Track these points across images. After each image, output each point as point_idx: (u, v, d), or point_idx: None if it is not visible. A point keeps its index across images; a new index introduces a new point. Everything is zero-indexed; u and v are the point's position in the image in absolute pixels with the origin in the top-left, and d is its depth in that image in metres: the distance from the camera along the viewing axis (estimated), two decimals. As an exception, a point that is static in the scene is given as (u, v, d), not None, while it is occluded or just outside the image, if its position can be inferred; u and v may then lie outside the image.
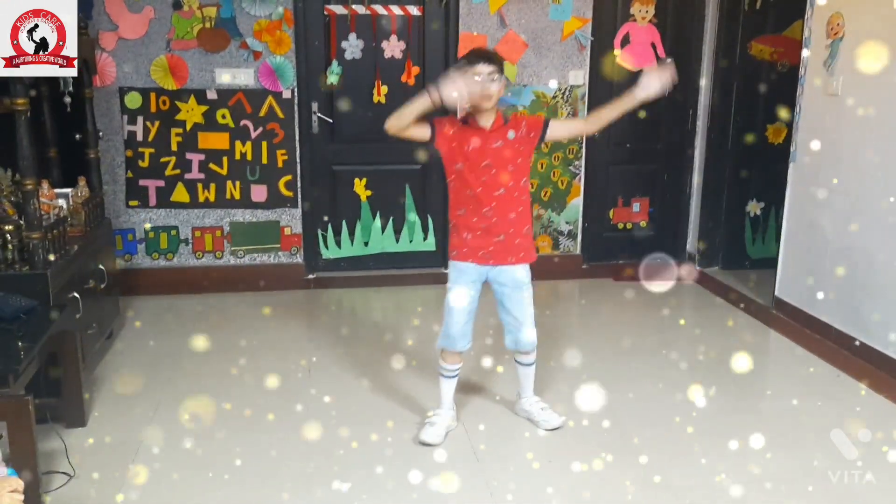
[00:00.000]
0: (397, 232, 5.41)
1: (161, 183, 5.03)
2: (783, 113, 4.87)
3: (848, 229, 4.06)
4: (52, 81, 3.91)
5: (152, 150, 4.98)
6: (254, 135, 5.05)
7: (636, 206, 5.70)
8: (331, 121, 5.17)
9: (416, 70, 5.13)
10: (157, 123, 4.94)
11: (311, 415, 3.41)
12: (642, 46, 5.36)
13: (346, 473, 2.94)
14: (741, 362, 4.04)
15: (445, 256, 5.39)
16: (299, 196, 5.20)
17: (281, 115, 5.04)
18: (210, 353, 4.13)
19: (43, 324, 2.95)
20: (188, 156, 5.02)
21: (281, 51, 4.95)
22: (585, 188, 5.54)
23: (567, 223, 5.57)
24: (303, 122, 5.10)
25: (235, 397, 3.56)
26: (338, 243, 5.35)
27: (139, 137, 4.95)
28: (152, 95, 4.90)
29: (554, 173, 5.43)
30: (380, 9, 5.03)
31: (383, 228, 5.38)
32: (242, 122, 5.02)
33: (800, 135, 4.43)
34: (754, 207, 5.53)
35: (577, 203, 5.54)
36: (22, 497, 2.23)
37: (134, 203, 5.04)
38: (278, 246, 5.26)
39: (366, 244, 5.39)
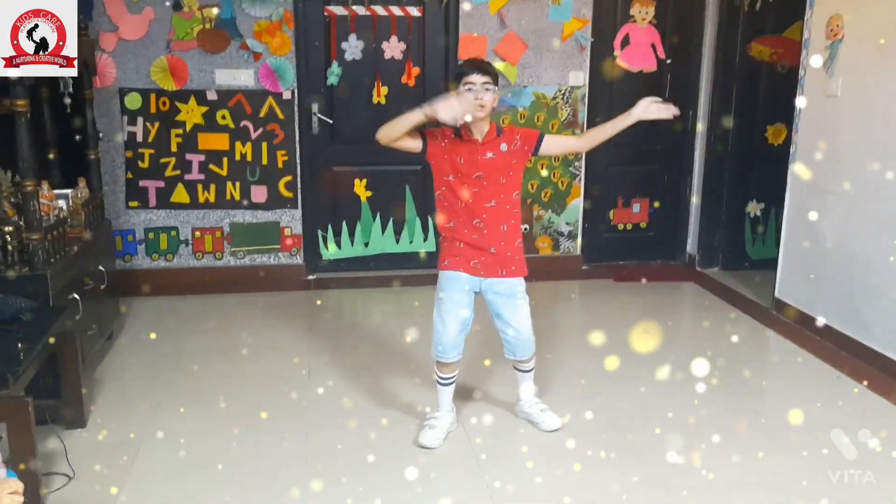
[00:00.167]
0: (397, 233, 5.41)
1: (161, 184, 5.03)
2: (783, 114, 4.88)
3: (848, 230, 4.06)
4: (53, 83, 3.91)
5: (152, 151, 4.98)
6: (254, 135, 5.05)
7: (636, 207, 5.71)
8: (331, 121, 5.18)
9: (416, 71, 5.14)
10: (157, 124, 4.94)
11: (310, 415, 3.42)
12: (642, 47, 5.37)
13: (346, 474, 2.94)
14: (741, 363, 4.04)
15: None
16: (299, 197, 5.20)
17: (281, 115, 5.05)
18: (210, 353, 4.13)
19: (43, 325, 2.95)
20: (188, 157, 5.02)
21: (281, 52, 4.95)
22: (586, 189, 5.54)
23: (567, 224, 5.57)
24: (303, 122, 5.11)
25: (235, 398, 3.56)
26: (338, 244, 5.36)
27: (139, 138, 4.95)
28: (152, 96, 4.90)
29: (554, 174, 5.43)
30: (380, 10, 5.03)
31: (383, 229, 5.38)
32: (242, 123, 5.02)
33: (799, 136, 4.43)
34: (754, 208, 5.54)
35: (577, 204, 5.55)
36: (22, 499, 2.23)
37: (134, 204, 5.04)
38: (278, 247, 5.26)
39: (366, 245, 5.39)
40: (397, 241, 5.42)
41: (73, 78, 3.83)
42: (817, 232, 4.29)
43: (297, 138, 5.11)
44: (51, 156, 4.20)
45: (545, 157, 3.23)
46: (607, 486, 2.88)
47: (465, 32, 5.11)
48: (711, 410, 3.48)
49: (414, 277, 5.35)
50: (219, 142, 5.03)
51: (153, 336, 4.37)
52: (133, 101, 4.89)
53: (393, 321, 4.79)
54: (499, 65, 5.12)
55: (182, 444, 3.16)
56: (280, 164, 5.12)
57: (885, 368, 3.76)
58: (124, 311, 4.61)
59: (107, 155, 4.86)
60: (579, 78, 5.31)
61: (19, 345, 2.75)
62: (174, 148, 4.99)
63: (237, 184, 5.11)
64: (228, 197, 5.12)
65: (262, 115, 5.03)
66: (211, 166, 5.05)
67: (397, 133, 2.91)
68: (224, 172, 5.08)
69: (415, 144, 3.01)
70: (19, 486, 2.25)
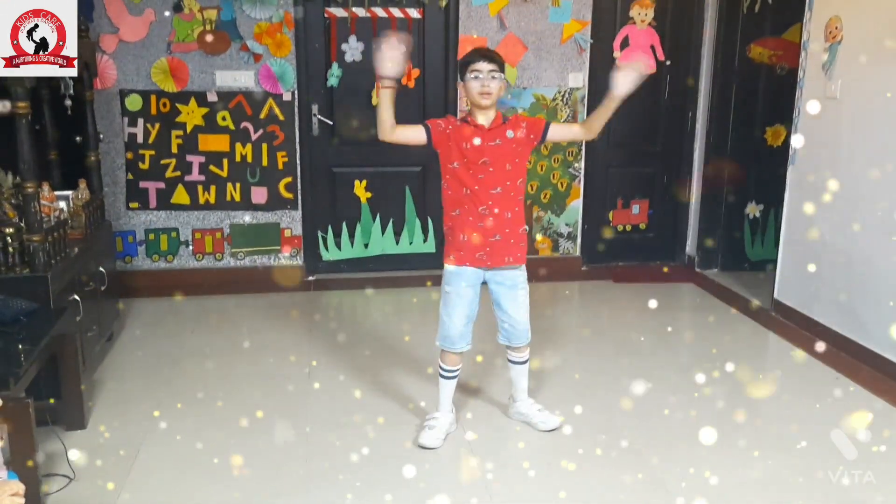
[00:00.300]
0: (397, 234, 5.42)
1: (161, 185, 5.04)
2: (782, 115, 4.89)
3: (847, 231, 4.07)
4: (53, 84, 3.92)
5: (153, 153, 4.99)
6: (254, 137, 5.06)
7: (636, 208, 5.71)
8: (331, 123, 5.19)
9: (416, 72, 5.14)
10: (157, 126, 4.95)
11: (311, 416, 3.42)
12: (642, 49, 5.37)
13: (346, 474, 2.94)
14: (740, 364, 4.05)
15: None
16: (299, 198, 5.21)
17: (281, 117, 5.05)
18: (210, 355, 4.14)
19: (43, 326, 2.95)
20: (188, 158, 5.03)
21: (281, 53, 4.96)
22: (585, 190, 5.55)
23: (567, 225, 5.58)
24: (303, 124, 5.11)
25: (235, 398, 3.57)
26: (338, 245, 5.37)
27: (139, 140, 4.96)
28: (153, 98, 4.91)
29: (553, 175, 5.44)
30: (380, 11, 5.04)
31: (383, 230, 5.39)
32: (243, 125, 5.03)
33: (799, 137, 4.44)
34: (753, 210, 5.54)
35: (576, 205, 5.55)
36: (23, 500, 2.25)
37: (134, 205, 5.05)
38: (278, 248, 5.27)
39: (366, 246, 5.40)
40: (397, 242, 5.42)
41: (73, 80, 3.84)
42: (816, 233, 4.29)
43: (298, 140, 5.12)
44: (52, 157, 4.22)
45: (550, 142, 3.22)
46: (605, 487, 2.89)
47: (465, 34, 5.11)
48: (710, 411, 3.49)
49: (414, 278, 5.36)
50: (219, 143, 5.04)
51: (153, 337, 4.38)
52: (133, 102, 4.89)
53: (393, 322, 4.79)
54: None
55: (182, 444, 3.17)
56: (280, 166, 5.13)
57: (884, 369, 3.77)
58: (124, 312, 4.62)
59: (107, 156, 4.87)
60: (579, 79, 5.32)
61: (20, 346, 2.76)
62: (174, 149, 5.00)
63: (237, 185, 5.12)
64: (229, 198, 5.13)
65: (262, 116, 5.04)
66: (211, 167, 5.06)
67: (386, 121, 2.92)
68: (224, 174, 5.09)
69: (418, 135, 3.02)
70: (20, 487, 2.26)
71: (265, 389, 3.69)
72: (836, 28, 4.08)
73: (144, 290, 5.03)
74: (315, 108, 5.14)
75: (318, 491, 2.85)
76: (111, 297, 4.21)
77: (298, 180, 5.18)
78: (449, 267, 3.13)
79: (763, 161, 5.40)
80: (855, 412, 3.48)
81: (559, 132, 3.24)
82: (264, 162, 5.10)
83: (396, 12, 5.06)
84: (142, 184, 5.02)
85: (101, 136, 4.70)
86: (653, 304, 5.06)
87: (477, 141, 2.99)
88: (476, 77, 2.94)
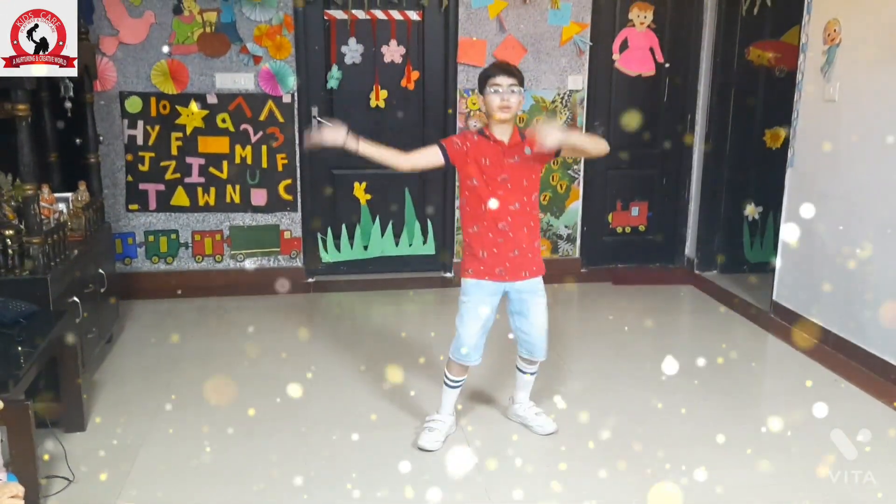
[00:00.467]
0: (397, 236, 5.42)
1: (161, 187, 5.05)
2: (781, 118, 4.89)
3: (846, 233, 4.07)
4: (53, 86, 3.92)
5: (152, 155, 4.99)
6: (254, 139, 5.07)
7: (635, 211, 5.72)
8: (331, 125, 5.17)
9: (415, 75, 5.15)
10: (157, 128, 4.96)
11: (310, 418, 3.42)
12: (641, 52, 5.38)
13: (345, 476, 2.94)
14: (739, 366, 4.05)
15: (445, 260, 5.43)
16: (299, 200, 5.21)
17: (281, 119, 5.06)
18: (209, 356, 4.14)
19: (43, 328, 2.96)
20: (188, 160, 5.03)
21: (281, 55, 4.96)
22: (584, 192, 5.56)
23: (566, 227, 5.58)
24: (303, 126, 5.11)
25: (235, 400, 3.57)
26: (337, 247, 5.37)
27: (139, 141, 4.96)
28: (152, 100, 4.91)
29: (553, 177, 5.44)
30: (379, 14, 5.05)
31: (383, 232, 5.39)
32: (242, 127, 5.04)
33: (797, 140, 4.44)
34: (752, 212, 5.55)
35: (576, 207, 5.56)
36: (22, 502, 2.25)
37: (134, 207, 5.05)
38: (278, 249, 5.27)
39: (365, 248, 5.40)
40: (397, 244, 5.43)
41: (73, 82, 3.85)
42: (815, 235, 4.30)
43: (297, 141, 5.12)
44: (51, 159, 4.22)
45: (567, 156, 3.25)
46: (604, 489, 2.89)
47: (465, 36, 5.12)
48: (710, 413, 3.49)
49: (413, 280, 5.36)
50: (219, 145, 5.05)
51: (153, 339, 4.38)
52: (133, 104, 4.90)
53: (392, 324, 4.80)
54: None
55: (182, 446, 3.17)
56: (280, 168, 5.13)
57: (883, 371, 3.77)
58: (124, 314, 4.62)
59: (107, 158, 4.87)
60: (578, 82, 5.32)
61: (19, 348, 2.76)
62: (174, 151, 5.00)
63: (237, 187, 5.12)
64: (228, 200, 5.13)
65: (262, 118, 5.04)
66: (211, 169, 5.06)
67: (388, 160, 3.03)
68: (224, 175, 5.09)
69: (434, 158, 3.05)
70: (20, 489, 2.27)
71: (264, 391, 3.68)
72: (835, 31, 4.08)
73: (144, 292, 5.03)
74: (315, 111, 5.14)
75: (317, 492, 2.85)
76: (111, 298, 4.21)
77: (298, 182, 5.18)
78: (468, 280, 3.12)
79: (762, 163, 5.40)
80: (854, 414, 3.48)
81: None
82: (264, 164, 5.11)
83: (396, 15, 5.07)
84: (141, 186, 5.03)
85: (101, 138, 4.71)
86: (652, 306, 5.07)
87: (496, 158, 2.99)
88: (496, 91, 2.94)
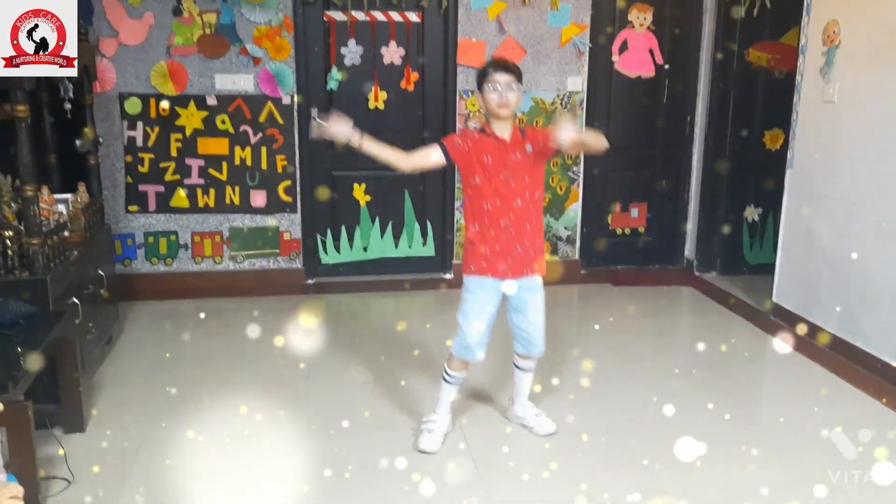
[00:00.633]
0: (396, 237, 5.42)
1: (161, 188, 5.05)
2: (780, 119, 4.90)
3: (845, 235, 4.07)
4: (53, 87, 3.92)
5: (152, 156, 4.99)
6: (253, 140, 5.07)
7: (634, 212, 5.72)
8: (334, 119, 5.17)
9: (415, 76, 5.15)
10: (156, 129, 4.96)
11: (309, 420, 3.42)
12: (640, 53, 5.39)
13: (345, 478, 2.94)
14: (739, 368, 4.05)
15: (445, 262, 5.43)
16: (298, 201, 5.21)
17: (280, 120, 5.06)
18: (209, 358, 4.14)
19: (42, 330, 2.95)
20: (188, 161, 5.03)
21: (280, 57, 4.96)
22: (584, 194, 5.56)
23: (566, 228, 5.58)
24: (302, 127, 5.12)
25: (234, 402, 3.56)
26: (337, 248, 5.37)
27: (139, 143, 4.96)
28: (152, 101, 4.91)
29: (553, 179, 5.44)
30: (379, 15, 5.05)
31: (382, 233, 5.39)
32: (242, 128, 5.04)
33: (797, 141, 4.45)
34: (752, 213, 5.55)
35: (575, 208, 5.56)
36: (22, 503, 2.24)
37: (133, 208, 5.05)
38: (278, 251, 5.27)
39: (365, 249, 5.40)
40: (396, 246, 5.43)
41: (73, 83, 3.85)
42: (815, 237, 4.30)
43: (297, 143, 5.12)
44: (51, 160, 4.22)
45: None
46: (604, 490, 2.89)
47: (464, 38, 5.12)
48: (709, 414, 3.49)
49: (413, 282, 5.36)
50: (218, 146, 5.05)
51: (152, 341, 4.38)
52: (133, 105, 4.90)
53: (392, 325, 4.79)
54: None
55: (181, 448, 3.17)
56: (279, 169, 5.13)
57: (882, 373, 3.77)
58: (123, 316, 4.61)
59: (106, 159, 4.87)
60: (577, 83, 5.32)
61: (19, 349, 2.76)
62: (174, 153, 5.00)
63: (237, 188, 5.12)
64: (228, 201, 5.13)
65: (261, 119, 5.04)
66: (210, 171, 5.06)
67: (390, 159, 3.01)
68: (223, 177, 5.09)
69: (435, 157, 3.04)
70: (19, 490, 2.27)
71: (264, 392, 3.68)
72: (834, 32, 4.09)
73: (143, 294, 5.03)
74: (314, 112, 5.14)
75: (317, 494, 2.85)
76: (110, 300, 4.21)
77: (297, 184, 5.18)
78: (470, 277, 3.12)
79: (761, 165, 5.40)
80: (853, 416, 3.48)
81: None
82: (263, 165, 5.11)
83: (396, 16, 5.07)
84: (141, 187, 5.03)
85: (101, 139, 4.70)
86: (652, 307, 5.07)
87: (498, 155, 2.98)
88: (494, 89, 2.93)
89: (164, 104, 4.86)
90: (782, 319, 4.55)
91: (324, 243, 5.35)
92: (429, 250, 5.44)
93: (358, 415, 3.48)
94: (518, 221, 3.04)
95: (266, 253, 5.26)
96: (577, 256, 5.65)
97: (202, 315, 4.87)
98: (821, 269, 4.25)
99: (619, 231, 5.74)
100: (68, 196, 3.92)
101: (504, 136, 3.00)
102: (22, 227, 3.21)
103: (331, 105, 5.15)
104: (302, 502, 2.81)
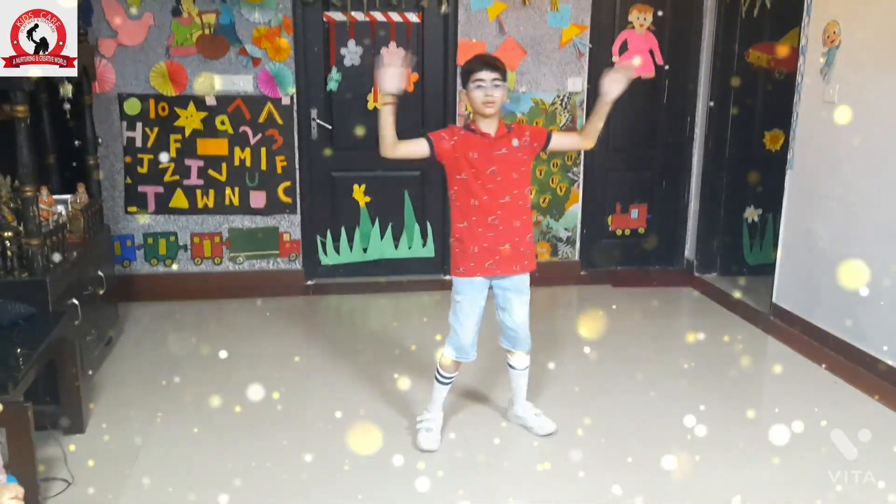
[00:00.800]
0: (396, 238, 5.42)
1: (160, 189, 5.04)
2: (780, 120, 4.90)
3: (845, 235, 4.07)
4: (52, 88, 3.91)
5: (151, 157, 4.99)
6: (253, 141, 5.06)
7: (634, 213, 5.72)
8: (330, 127, 5.19)
9: (414, 77, 5.15)
10: (156, 130, 4.95)
11: (309, 421, 3.42)
12: (640, 54, 5.38)
13: (345, 478, 2.94)
14: (739, 369, 4.05)
15: (445, 263, 5.42)
16: (298, 202, 5.21)
17: (280, 121, 5.06)
18: (209, 359, 4.13)
19: (42, 331, 2.95)
20: (187, 162, 5.03)
21: (280, 57, 4.96)
22: (584, 195, 5.55)
23: (566, 229, 5.58)
24: (302, 128, 5.11)
25: (234, 403, 3.55)
26: (337, 249, 5.36)
27: (138, 144, 4.96)
28: (151, 102, 4.91)
29: (552, 180, 5.44)
30: (379, 16, 5.04)
31: (382, 235, 5.39)
32: (241, 129, 5.03)
33: (797, 142, 4.45)
34: (752, 214, 5.55)
35: (575, 209, 5.56)
36: (23, 503, 2.24)
37: (133, 209, 5.04)
38: (277, 252, 5.27)
39: (365, 250, 5.40)
40: (396, 247, 5.42)
41: (72, 84, 3.84)
42: (815, 237, 4.30)
43: (297, 144, 5.12)
44: (50, 161, 4.21)
45: (555, 152, 3.23)
46: (603, 491, 2.88)
47: (464, 38, 5.12)
48: (709, 415, 3.48)
49: (413, 283, 5.36)
50: (218, 147, 5.04)
51: (152, 342, 4.37)
52: (132, 106, 4.89)
53: (391, 326, 4.79)
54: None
55: (181, 448, 3.17)
56: (279, 170, 5.13)
57: (882, 373, 3.77)
58: (123, 317, 4.61)
59: (106, 160, 4.86)
60: (577, 84, 5.32)
61: (18, 350, 2.75)
62: (173, 153, 4.99)
63: (236, 189, 5.11)
64: (227, 202, 5.12)
65: (261, 120, 5.04)
66: (210, 172, 5.06)
67: (387, 138, 2.92)
68: (223, 178, 5.08)
69: (420, 149, 3.01)
70: (20, 490, 2.26)
71: (263, 393, 3.67)
72: (835, 33, 4.09)
73: (143, 294, 5.02)
74: (314, 113, 5.14)
75: (317, 496, 2.85)
76: (109, 301, 4.21)
77: (297, 184, 5.18)
78: (460, 279, 3.11)
79: (761, 166, 5.40)
80: (853, 417, 3.48)
81: (561, 141, 3.24)
82: (263, 166, 5.10)
83: (396, 17, 5.07)
84: (140, 188, 5.02)
85: (100, 140, 4.70)
86: (652, 308, 5.07)
87: (484, 150, 2.98)
88: (479, 86, 2.92)
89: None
90: (782, 320, 4.55)
91: (323, 244, 5.34)
92: (429, 251, 5.44)
93: (357, 414, 3.47)
94: (506, 218, 3.03)
95: (265, 254, 5.26)
96: (576, 257, 5.65)
97: (201, 316, 4.87)
98: (821, 269, 4.25)
99: (619, 232, 5.73)
100: (68, 197, 3.91)
101: (489, 132, 3.00)
102: (21, 228, 3.20)
103: (331, 106, 5.15)
104: (302, 501, 2.81)
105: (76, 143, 4.29)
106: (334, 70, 5.07)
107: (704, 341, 4.51)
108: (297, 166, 5.15)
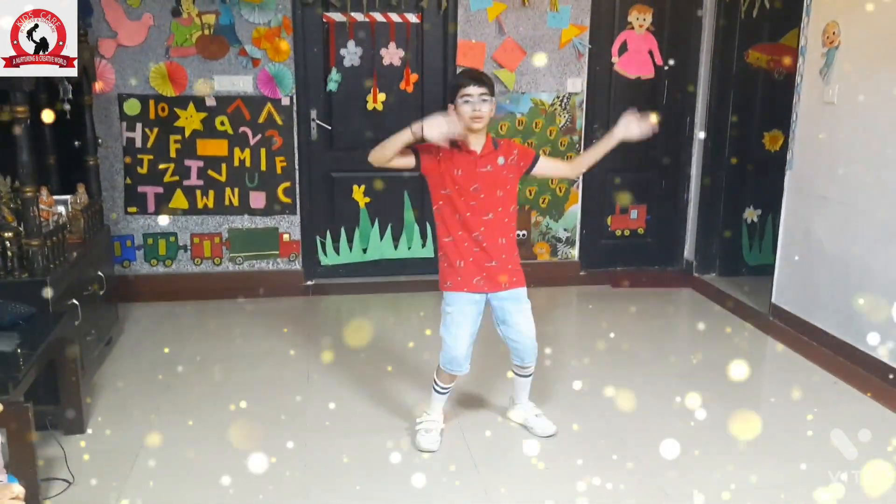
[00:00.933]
0: (396, 238, 5.42)
1: (160, 189, 5.04)
2: (780, 121, 4.90)
3: (844, 236, 4.08)
4: (52, 88, 3.91)
5: (151, 157, 4.99)
6: (252, 141, 5.06)
7: (634, 213, 5.72)
8: (329, 128, 5.19)
9: (414, 77, 5.15)
10: (155, 130, 4.95)
11: (309, 422, 3.42)
12: (640, 54, 5.39)
13: (345, 481, 2.94)
14: (738, 369, 4.04)
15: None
16: (298, 203, 5.21)
17: (280, 121, 5.06)
18: (208, 359, 4.13)
19: (42, 331, 2.95)
20: (187, 162, 5.03)
21: (280, 58, 4.96)
22: (583, 195, 5.56)
23: (565, 230, 5.58)
24: (301, 128, 5.12)
25: (234, 403, 3.56)
26: (336, 250, 5.37)
27: (138, 144, 4.96)
28: (151, 102, 4.91)
29: (552, 180, 5.44)
30: (378, 16, 5.05)
31: (382, 235, 5.39)
32: (241, 129, 5.03)
33: (796, 142, 4.45)
34: (751, 214, 5.56)
35: (575, 210, 5.56)
36: (23, 503, 2.24)
37: (133, 210, 5.04)
38: (277, 252, 5.27)
39: (364, 251, 5.40)
40: (396, 247, 5.43)
41: (72, 84, 3.84)
42: (814, 238, 4.31)
43: (296, 144, 5.12)
44: (50, 162, 4.21)
45: (537, 177, 3.27)
46: (603, 491, 2.88)
47: (464, 39, 5.12)
48: (708, 416, 3.48)
49: (412, 283, 5.36)
50: (217, 148, 5.04)
51: (151, 342, 4.37)
52: (132, 107, 4.90)
53: (391, 327, 4.79)
54: (497, 71, 5.14)
55: (181, 449, 3.16)
56: (279, 170, 5.13)
57: (882, 374, 3.78)
58: (123, 317, 4.60)
59: (105, 161, 4.86)
60: (577, 84, 5.33)
61: (18, 350, 2.75)
62: (173, 154, 5.00)
63: (236, 190, 5.11)
64: (227, 203, 5.13)
65: (260, 121, 5.04)
66: (210, 172, 5.06)
67: (388, 154, 2.93)
68: (223, 178, 5.09)
69: (407, 162, 3.00)
70: (20, 490, 2.26)
71: (263, 394, 3.68)
72: (834, 33, 4.09)
73: (143, 295, 5.02)
74: (314, 113, 5.14)
75: (317, 497, 2.85)
76: (109, 301, 4.21)
77: (297, 185, 5.18)
78: (448, 292, 3.10)
79: (761, 166, 5.41)
80: (853, 417, 3.48)
81: (547, 167, 3.24)
82: (263, 167, 5.11)
83: (395, 17, 5.07)
84: (140, 188, 5.02)
85: (100, 140, 4.70)
86: (651, 308, 5.07)
87: (468, 167, 2.98)
88: (467, 101, 2.93)
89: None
90: (781, 320, 4.55)
91: (323, 245, 5.34)
92: (428, 252, 5.44)
93: (357, 415, 3.48)
94: (490, 234, 3.03)
95: (265, 254, 5.26)
96: (576, 258, 5.65)
97: (201, 316, 4.87)
98: (820, 269, 4.26)
99: (618, 232, 5.74)
100: (67, 197, 3.91)
101: (475, 149, 2.99)
102: (21, 229, 3.20)
103: (331, 106, 5.15)
104: (302, 501, 2.81)
105: (76, 143, 4.29)
106: (334, 71, 5.07)
107: (704, 341, 4.52)
108: (296, 167, 5.16)
